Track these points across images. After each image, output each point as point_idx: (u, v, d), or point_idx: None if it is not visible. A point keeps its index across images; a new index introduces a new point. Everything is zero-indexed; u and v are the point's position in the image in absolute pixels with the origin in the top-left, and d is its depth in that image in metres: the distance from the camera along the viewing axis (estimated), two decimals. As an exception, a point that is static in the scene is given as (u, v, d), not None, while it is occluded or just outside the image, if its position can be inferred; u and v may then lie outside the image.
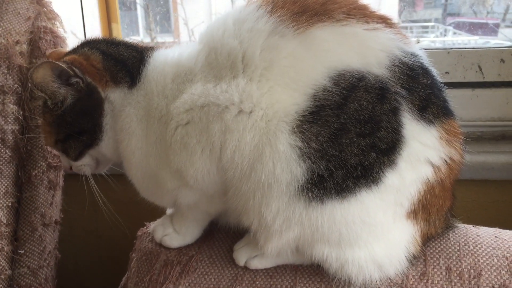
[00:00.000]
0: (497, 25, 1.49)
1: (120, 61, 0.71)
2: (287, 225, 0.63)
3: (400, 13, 1.50)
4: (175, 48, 0.74)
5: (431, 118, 0.64)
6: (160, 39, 1.70)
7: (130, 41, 0.77)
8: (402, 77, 0.63)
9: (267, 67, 0.63)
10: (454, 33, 1.60)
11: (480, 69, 1.02)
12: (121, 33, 1.35)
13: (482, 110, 1.03)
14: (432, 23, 1.65)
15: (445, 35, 1.65)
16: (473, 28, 1.48)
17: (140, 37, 1.71)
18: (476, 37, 1.50)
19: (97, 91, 0.70)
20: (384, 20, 0.66)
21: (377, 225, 0.64)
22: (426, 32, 1.69)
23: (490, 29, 1.48)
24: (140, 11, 1.73)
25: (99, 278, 1.25)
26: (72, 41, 1.03)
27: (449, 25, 1.60)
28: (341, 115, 0.60)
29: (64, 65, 0.66)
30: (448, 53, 1.02)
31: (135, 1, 1.66)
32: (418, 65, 0.65)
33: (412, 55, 0.64)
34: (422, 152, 0.63)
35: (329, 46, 0.62)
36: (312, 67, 0.62)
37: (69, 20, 1.04)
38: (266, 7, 0.65)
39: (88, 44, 0.74)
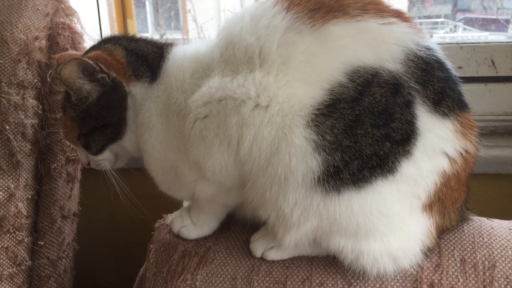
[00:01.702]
0: (508, 21, 1.48)
1: (141, 56, 0.73)
2: (305, 216, 0.64)
3: (409, 8, 1.50)
4: (193, 44, 0.76)
5: (446, 112, 0.64)
6: (169, 35, 1.71)
7: (148, 37, 0.79)
8: (416, 71, 0.63)
9: (284, 62, 0.64)
10: (464, 29, 1.59)
11: (493, 64, 1.02)
12: (136, 30, 1.36)
13: (495, 104, 1.03)
14: (442, 19, 1.64)
15: (455, 31, 1.64)
16: (483, 24, 1.48)
17: (149, 34, 1.71)
18: (486, 33, 1.49)
19: (122, 86, 0.71)
20: (399, 15, 0.67)
21: (394, 217, 0.65)
22: (436, 28, 1.68)
23: (501, 25, 1.48)
24: (149, 8, 1.74)
25: (114, 270, 1.26)
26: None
27: (459, 21, 1.59)
28: (356, 108, 0.61)
29: (90, 61, 0.68)
30: (461, 48, 1.02)
31: (145, -3, 1.67)
32: (433, 58, 0.65)
33: (427, 48, 0.65)
34: (438, 144, 0.64)
35: (344, 42, 0.63)
36: (328, 63, 0.63)
37: (83, 17, 1.05)
38: (282, 4, 0.66)
39: (110, 40, 0.75)
